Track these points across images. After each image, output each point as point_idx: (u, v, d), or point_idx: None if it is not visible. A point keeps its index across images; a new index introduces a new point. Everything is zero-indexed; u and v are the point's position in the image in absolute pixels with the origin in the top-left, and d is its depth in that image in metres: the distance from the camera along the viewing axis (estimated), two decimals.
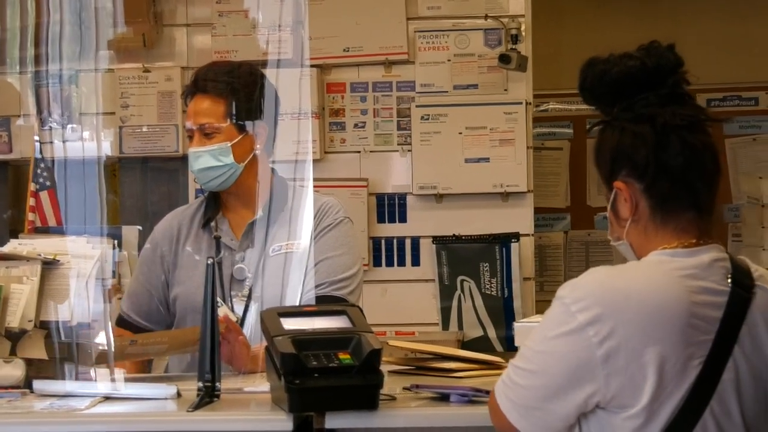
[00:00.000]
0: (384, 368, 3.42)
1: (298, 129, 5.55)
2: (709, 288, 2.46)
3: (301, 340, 2.80)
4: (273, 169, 3.93)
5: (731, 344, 2.44)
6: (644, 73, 2.55)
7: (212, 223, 3.89)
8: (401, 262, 6.47)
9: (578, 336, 2.41)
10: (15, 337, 3.69)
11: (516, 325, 3.51)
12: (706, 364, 2.41)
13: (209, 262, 3.02)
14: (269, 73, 4.01)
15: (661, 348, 2.39)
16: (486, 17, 6.43)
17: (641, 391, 2.39)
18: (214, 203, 3.91)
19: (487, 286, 6.33)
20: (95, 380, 3.32)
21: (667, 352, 2.39)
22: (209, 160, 3.80)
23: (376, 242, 6.42)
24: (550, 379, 2.44)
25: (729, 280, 2.48)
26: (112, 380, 3.45)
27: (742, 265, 2.54)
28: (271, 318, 2.91)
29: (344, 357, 2.78)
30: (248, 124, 3.85)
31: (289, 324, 2.88)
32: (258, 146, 3.85)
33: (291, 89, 6.08)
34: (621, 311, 2.40)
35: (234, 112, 3.83)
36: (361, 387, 2.77)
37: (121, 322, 3.96)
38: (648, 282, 2.45)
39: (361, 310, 3.03)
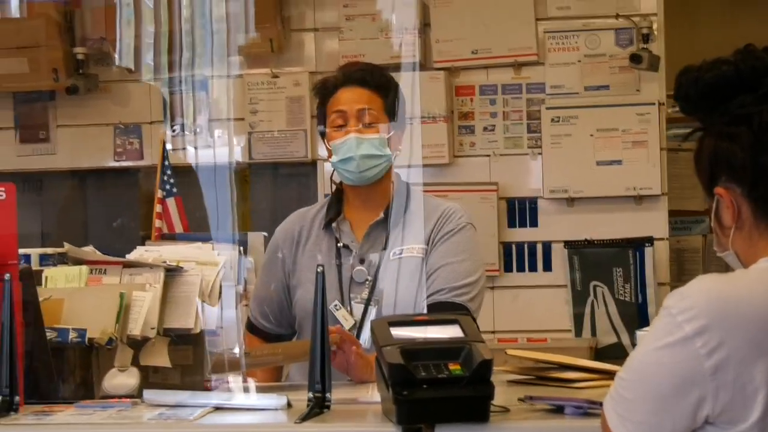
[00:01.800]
0: (503, 378, 3.38)
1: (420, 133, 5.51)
2: None
3: (410, 350, 2.73)
4: (398, 175, 3.90)
5: None
6: (738, 76, 2.46)
7: (333, 225, 3.87)
8: (533, 268, 6.41)
9: (685, 347, 2.32)
10: (137, 345, 3.70)
11: (639, 332, 3.40)
12: None
13: (319, 270, 2.98)
14: (395, 77, 3.99)
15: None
16: (617, 16, 6.35)
17: (753, 405, 2.30)
18: (336, 205, 3.87)
19: (621, 292, 6.24)
20: (212, 390, 3.32)
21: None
22: (371, 148, 3.75)
23: (507, 247, 6.36)
24: (657, 390, 2.36)
25: None
26: (226, 390, 3.45)
27: None
28: (380, 327, 2.86)
29: (454, 368, 2.71)
30: (398, 124, 3.82)
31: (399, 334, 2.82)
32: (399, 148, 3.82)
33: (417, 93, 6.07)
34: (730, 321, 2.31)
35: (388, 107, 3.80)
36: (471, 398, 2.70)
37: (251, 327, 3.99)
38: (759, 290, 2.35)
39: (474, 319, 2.96)
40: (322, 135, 3.90)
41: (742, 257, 2.49)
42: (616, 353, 6.01)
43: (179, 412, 2.96)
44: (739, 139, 2.43)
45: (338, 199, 3.89)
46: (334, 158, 3.82)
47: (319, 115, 3.93)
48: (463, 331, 2.87)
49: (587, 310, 6.30)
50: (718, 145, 2.46)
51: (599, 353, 6.08)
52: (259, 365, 3.67)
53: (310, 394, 2.92)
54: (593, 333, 6.28)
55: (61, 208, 6.78)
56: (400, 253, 3.79)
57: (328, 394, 2.93)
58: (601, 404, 2.63)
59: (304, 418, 2.83)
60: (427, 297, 3.71)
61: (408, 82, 4.11)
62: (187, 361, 3.90)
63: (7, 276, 3.09)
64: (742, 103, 2.44)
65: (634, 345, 6.05)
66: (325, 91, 3.87)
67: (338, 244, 3.83)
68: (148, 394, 3.12)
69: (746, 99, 2.45)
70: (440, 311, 3.61)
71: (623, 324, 6.24)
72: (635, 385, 2.41)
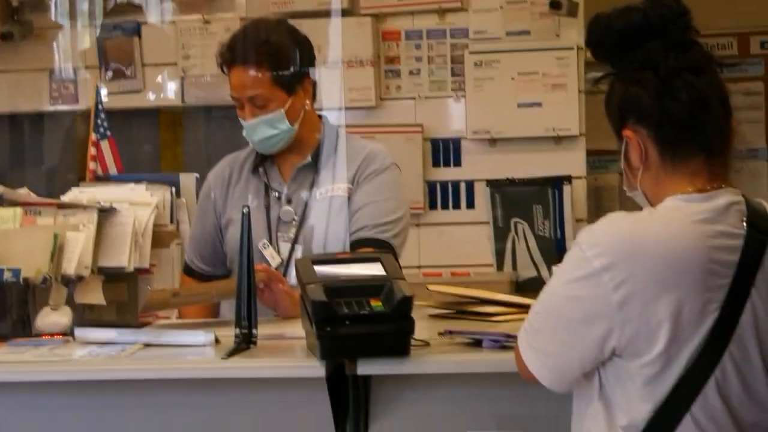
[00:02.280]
0: (425, 312, 3.36)
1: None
2: (726, 232, 2.38)
3: (333, 287, 2.73)
4: (321, 117, 3.86)
5: (748, 287, 2.36)
6: (647, 23, 2.46)
7: (261, 168, 3.84)
8: (456, 205, 6.37)
9: (593, 281, 2.34)
10: (73, 284, 3.66)
11: (554, 268, 3.39)
12: (724, 308, 2.33)
13: (244, 210, 2.96)
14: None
15: (677, 295, 2.31)
16: None
17: (657, 338, 2.32)
18: None
19: (541, 228, 6.24)
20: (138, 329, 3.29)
21: (683, 299, 2.30)
22: (266, 130, 3.76)
23: (431, 186, 6.32)
24: (567, 322, 2.39)
25: (744, 223, 2.39)
26: (156, 327, 3.41)
27: (758, 208, 2.46)
28: (304, 266, 2.85)
29: (376, 304, 2.70)
30: (294, 84, 3.77)
31: (323, 271, 2.80)
32: (307, 102, 3.78)
33: (345, 38, 6.01)
34: (636, 258, 2.32)
35: (279, 76, 3.74)
36: (392, 334, 2.70)
37: (186, 269, 3.96)
38: (664, 229, 2.36)
39: (396, 256, 2.93)
40: None
41: (649, 196, 2.49)
42: (536, 286, 5.93)
43: (109, 349, 2.92)
44: (646, 84, 2.44)
45: None
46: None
47: None
48: (385, 268, 2.86)
49: (508, 245, 6.28)
50: (628, 90, 2.47)
51: (519, 286, 6.08)
52: (189, 303, 3.66)
53: (237, 330, 2.91)
54: (514, 267, 6.25)
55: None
56: (326, 193, 3.77)
57: (254, 330, 2.91)
58: (516, 337, 2.63)
59: (231, 353, 2.81)
60: (351, 234, 3.69)
61: (335, 29, 4.06)
62: (121, 298, 3.86)
63: None
64: (650, 50, 2.44)
65: None
66: (222, 67, 3.86)
67: (266, 186, 3.81)
68: (79, 332, 3.09)
69: (654, 45, 2.45)
70: (364, 247, 3.60)
71: (543, 258, 6.23)
72: (546, 317, 2.45)
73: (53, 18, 6.42)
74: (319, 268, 2.82)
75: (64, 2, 6.22)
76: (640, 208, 2.48)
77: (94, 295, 3.76)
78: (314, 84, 3.84)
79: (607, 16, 2.51)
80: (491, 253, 6.30)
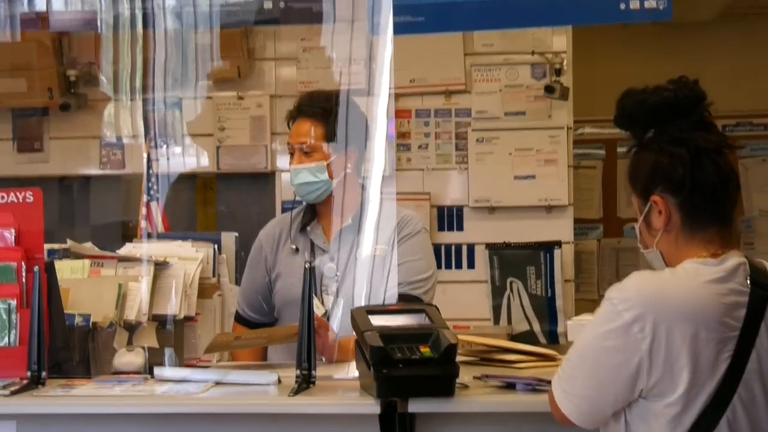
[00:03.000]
0: None
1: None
2: (735, 290, 2.44)
3: (388, 334, 2.77)
4: (363, 186, 3.93)
5: (753, 338, 2.42)
6: (677, 102, 2.54)
7: (308, 228, 3.90)
8: (458, 266, 6.44)
9: (625, 331, 2.39)
10: (132, 329, 3.71)
11: (569, 322, 3.47)
12: (734, 357, 2.39)
13: (307, 266, 3.00)
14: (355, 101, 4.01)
15: (695, 344, 2.38)
16: (533, 53, 6.40)
17: (679, 381, 2.38)
18: (311, 212, 3.90)
19: (533, 287, 6.29)
20: (208, 368, 3.32)
21: (700, 348, 2.38)
22: (307, 176, 3.80)
23: (436, 248, 6.27)
24: (601, 368, 2.43)
25: (748, 281, 2.46)
26: (222, 368, 3.46)
27: (760, 267, 2.52)
28: (360, 315, 2.90)
29: (425, 350, 2.75)
30: (341, 145, 3.84)
31: (376, 320, 2.86)
32: (349, 165, 3.84)
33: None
34: (662, 312, 2.39)
35: (328, 134, 3.82)
36: (439, 377, 2.74)
37: (238, 317, 3.99)
38: (685, 287, 2.44)
39: (438, 309, 2.99)
40: None
41: (666, 256, 2.55)
42: (529, 339, 6.06)
43: (186, 386, 2.96)
44: (679, 158, 2.49)
45: (312, 207, 3.92)
46: None
47: None
48: (430, 319, 2.91)
49: (504, 302, 6.33)
50: (659, 160, 2.52)
51: (514, 339, 6.08)
52: (249, 346, 3.69)
53: (298, 372, 2.94)
54: (509, 321, 6.31)
55: (52, 210, 6.71)
56: (365, 253, 3.82)
57: (313, 371, 2.95)
58: (548, 382, 2.69)
59: (296, 392, 2.85)
60: (386, 290, 3.74)
61: (363, 106, 4.12)
62: (169, 343, 3.91)
63: (36, 268, 3.09)
64: (680, 128, 2.50)
65: (552, 332, 6.15)
66: (288, 122, 3.94)
67: (312, 244, 3.86)
68: (158, 370, 3.12)
69: (683, 123, 2.51)
70: (399, 302, 3.64)
71: (535, 314, 6.28)
72: (581, 365, 2.47)
73: (105, 91, 6.48)
74: (373, 318, 2.87)
75: (115, 78, 6.29)
76: (617, 272, 2.56)
77: (150, 339, 3.81)
78: (361, 156, 3.89)
79: (641, 91, 2.57)
80: (489, 309, 6.37)
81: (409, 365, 2.72)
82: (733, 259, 2.49)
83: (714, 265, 2.47)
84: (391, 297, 3.66)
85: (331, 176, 3.81)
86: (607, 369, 2.42)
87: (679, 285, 2.45)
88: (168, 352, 3.75)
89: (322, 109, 3.82)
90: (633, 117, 2.58)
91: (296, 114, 3.87)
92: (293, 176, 3.85)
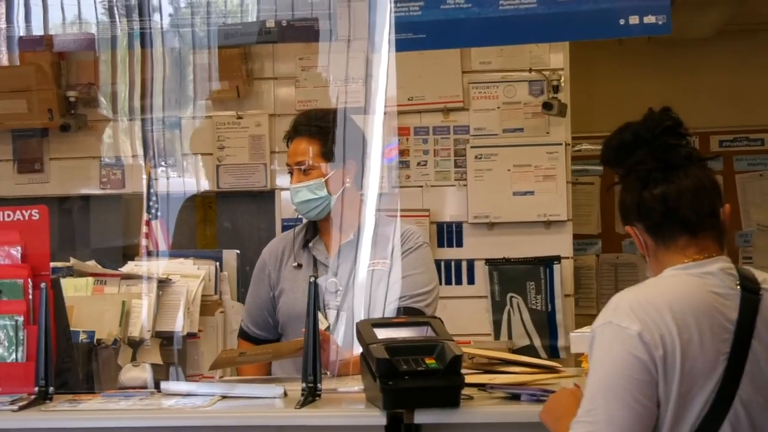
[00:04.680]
0: None
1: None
2: (723, 293, 2.47)
3: (393, 347, 2.80)
4: (364, 201, 3.94)
5: (749, 340, 2.44)
6: (637, 137, 2.58)
7: (311, 244, 3.92)
8: (458, 281, 6.45)
9: (635, 343, 2.38)
10: (136, 345, 3.73)
11: (572, 335, 3.49)
12: (731, 359, 2.41)
13: (311, 280, 3.02)
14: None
15: (694, 348, 2.39)
16: (530, 70, 6.43)
17: (674, 385, 2.38)
18: (313, 228, 3.93)
19: (533, 302, 6.32)
20: (213, 382, 3.34)
21: (696, 352, 2.39)
22: (307, 194, 3.83)
23: (437, 264, 6.21)
24: (619, 388, 2.37)
25: (738, 285, 2.48)
26: (228, 382, 3.48)
27: (747, 273, 2.54)
28: (365, 328, 2.92)
29: (430, 362, 2.78)
30: (338, 161, 3.87)
31: (382, 333, 2.88)
32: (348, 180, 3.86)
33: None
34: (660, 316, 2.40)
35: (325, 151, 3.85)
36: (445, 388, 2.77)
37: (242, 334, 4.01)
38: (670, 288, 2.47)
39: (442, 322, 3.01)
40: None
41: (656, 275, 2.58)
42: (529, 354, 6.06)
43: (193, 400, 2.98)
44: (630, 186, 2.58)
45: (314, 223, 3.95)
46: None
47: None
48: (435, 331, 2.93)
49: (504, 317, 6.36)
50: (621, 194, 2.61)
51: (514, 353, 6.12)
52: (253, 362, 3.71)
53: (304, 385, 2.96)
54: (510, 336, 6.34)
55: (53, 230, 6.72)
56: (367, 267, 3.84)
57: (319, 384, 2.97)
58: (552, 392, 2.70)
59: (303, 404, 2.87)
60: (389, 303, 3.76)
61: (360, 125, 4.14)
62: (173, 359, 3.93)
63: (43, 285, 3.11)
64: (636, 159, 2.57)
65: (552, 347, 6.16)
66: (287, 142, 3.96)
67: (314, 260, 3.89)
68: (165, 385, 3.14)
69: (639, 152, 2.57)
70: (402, 315, 3.66)
71: (535, 329, 6.31)
72: (598, 394, 2.39)
73: (104, 112, 6.52)
74: (378, 331, 2.89)
75: (114, 99, 6.31)
76: (612, 289, 2.58)
77: (153, 356, 3.83)
78: (359, 170, 3.92)
79: (610, 135, 2.65)
80: (489, 324, 6.39)
81: (415, 377, 2.74)
82: (717, 264, 2.51)
83: (693, 268, 2.50)
84: (392, 311, 3.68)
85: (330, 192, 3.84)
86: (626, 384, 2.37)
87: (663, 287, 2.48)
88: (174, 367, 3.77)
89: (318, 128, 3.85)
90: (608, 158, 2.65)
91: (293, 134, 3.90)
92: (293, 195, 3.87)
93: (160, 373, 3.75)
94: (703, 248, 2.53)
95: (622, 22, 3.43)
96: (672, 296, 2.44)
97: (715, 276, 2.48)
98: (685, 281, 2.48)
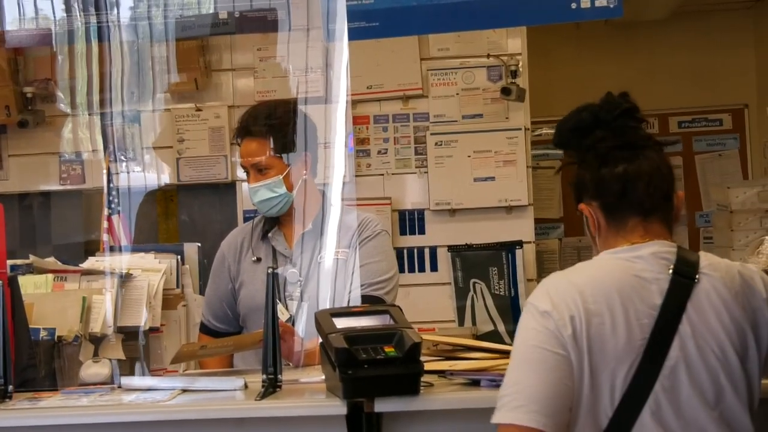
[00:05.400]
0: None
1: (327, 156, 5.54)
2: (650, 277, 2.45)
3: (352, 336, 2.79)
4: (321, 190, 3.94)
5: (674, 326, 2.42)
6: (596, 119, 2.60)
7: (270, 235, 3.91)
8: (421, 269, 6.47)
9: (545, 321, 2.40)
10: (97, 341, 3.72)
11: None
12: (650, 344, 2.39)
13: (269, 271, 3.01)
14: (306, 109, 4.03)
15: (605, 331, 2.38)
16: (488, 56, 6.44)
17: (585, 365, 2.38)
18: (272, 219, 3.92)
19: (496, 287, 6.33)
20: (175, 376, 3.33)
21: (608, 335, 2.38)
22: (266, 193, 3.82)
23: (399, 252, 6.39)
24: (537, 361, 2.38)
25: (670, 270, 2.47)
26: (188, 375, 3.46)
27: (689, 258, 2.52)
28: (324, 318, 2.91)
29: (389, 350, 2.77)
30: (292, 155, 3.86)
31: (341, 323, 2.87)
32: (305, 172, 3.86)
33: (320, 123, 6.11)
34: (573, 295, 2.40)
35: (279, 147, 3.84)
36: (404, 375, 2.75)
37: (203, 327, 4.00)
38: (592, 270, 2.48)
39: (401, 310, 3.01)
40: None
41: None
42: (493, 339, 6.08)
43: (153, 395, 2.97)
44: (589, 163, 2.58)
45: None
46: None
47: None
48: (394, 319, 2.93)
49: (468, 303, 6.37)
50: (578, 173, 2.61)
51: (478, 339, 6.13)
52: (215, 354, 3.70)
53: (264, 376, 2.95)
54: (473, 322, 6.35)
55: (13, 228, 6.69)
56: (327, 257, 3.84)
57: (279, 376, 2.97)
58: None
59: (263, 396, 2.87)
60: (349, 292, 3.76)
61: (320, 114, 4.13)
62: (136, 354, 3.92)
63: None
64: (594, 138, 2.58)
65: (512, 332, 6.13)
66: (237, 140, 3.94)
67: (274, 251, 3.88)
68: (125, 380, 3.13)
69: (597, 133, 2.58)
70: (362, 304, 3.67)
71: (499, 314, 6.32)
72: (518, 368, 2.41)
73: (62, 107, 6.47)
74: (337, 320, 2.89)
75: (72, 94, 6.27)
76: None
77: (116, 352, 3.82)
78: (314, 159, 3.92)
79: (570, 114, 2.65)
80: (453, 311, 6.41)
81: (374, 365, 2.73)
82: (651, 248, 2.50)
83: (624, 252, 2.50)
84: (355, 299, 3.69)
85: (289, 188, 3.83)
86: (542, 356, 2.38)
87: (586, 269, 2.50)
88: (138, 363, 3.76)
89: (267, 125, 3.83)
90: (562, 139, 2.66)
91: (243, 134, 3.88)
92: (252, 195, 3.86)
93: (124, 368, 3.74)
94: (649, 232, 2.54)
95: (573, 6, 3.44)
96: (590, 279, 2.44)
97: (644, 260, 2.47)
98: (611, 265, 2.48)
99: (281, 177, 3.82)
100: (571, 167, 2.66)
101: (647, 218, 2.54)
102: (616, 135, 2.57)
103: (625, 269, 2.46)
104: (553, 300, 2.41)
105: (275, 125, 3.85)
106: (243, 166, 3.91)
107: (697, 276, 2.48)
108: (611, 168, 2.54)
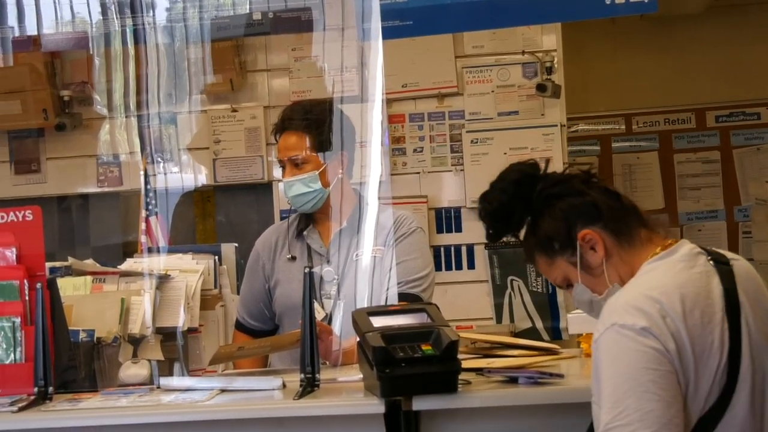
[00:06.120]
0: None
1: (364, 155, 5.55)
2: (704, 270, 2.46)
3: (389, 335, 2.80)
4: (356, 190, 3.95)
5: (738, 311, 2.42)
6: (531, 174, 2.67)
7: (305, 233, 3.92)
8: (458, 266, 6.45)
9: (646, 339, 2.33)
10: (136, 342, 3.73)
11: (569, 316, 3.48)
12: (731, 330, 2.39)
13: (306, 271, 3.02)
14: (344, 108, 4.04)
15: (698, 332, 2.37)
16: (523, 53, 6.42)
17: (690, 372, 2.35)
18: (306, 218, 3.92)
19: (534, 285, 6.31)
20: (213, 376, 3.34)
21: (700, 334, 2.36)
22: (301, 187, 3.83)
23: (436, 250, 6.39)
24: (645, 383, 2.31)
25: (710, 262, 2.47)
26: (227, 375, 3.47)
27: (711, 250, 2.53)
28: (361, 317, 2.92)
29: (426, 348, 2.77)
30: (330, 152, 3.86)
31: (377, 321, 2.88)
32: (341, 171, 3.86)
33: (356, 122, 6.11)
34: (663, 310, 2.36)
35: (317, 143, 3.84)
36: (442, 373, 2.76)
37: (238, 325, 4.01)
38: (662, 280, 2.43)
39: (438, 308, 3.01)
40: None
41: (625, 279, 2.52)
42: (531, 336, 6.07)
43: (192, 395, 2.98)
44: (575, 190, 2.57)
45: (307, 213, 3.94)
46: None
47: None
48: (430, 317, 2.93)
49: (506, 300, 6.35)
50: (561, 207, 2.56)
51: (516, 336, 6.12)
52: (252, 355, 3.71)
53: (302, 376, 2.96)
54: (511, 320, 6.33)
55: (52, 230, 6.73)
56: (362, 254, 3.84)
57: (317, 375, 2.97)
58: (550, 375, 2.70)
59: (301, 395, 2.88)
60: (386, 290, 3.76)
61: (356, 114, 4.14)
62: (175, 354, 3.93)
63: (38, 285, 3.11)
64: (544, 187, 2.59)
65: (555, 328, 6.15)
66: (275, 135, 3.96)
67: (309, 249, 3.89)
68: (164, 380, 3.14)
69: (544, 184, 2.59)
70: (399, 301, 3.67)
71: (537, 311, 6.30)
72: (624, 396, 2.31)
73: (99, 110, 6.51)
74: (374, 319, 2.89)
75: (109, 96, 6.31)
76: None
77: (154, 352, 3.83)
78: (351, 161, 3.92)
79: (483, 202, 2.80)
80: (491, 308, 6.39)
81: (412, 364, 2.73)
82: (686, 246, 2.51)
83: (669, 255, 2.48)
84: (392, 297, 3.68)
85: (324, 184, 3.84)
86: (651, 376, 2.31)
87: (655, 282, 2.43)
88: (177, 363, 3.77)
89: (306, 120, 3.85)
90: (494, 233, 2.77)
91: (281, 128, 3.90)
92: (286, 189, 3.87)
93: (163, 369, 3.75)
94: (659, 237, 2.54)
95: (608, 1, 3.42)
96: (664, 286, 2.40)
97: (691, 257, 2.47)
98: (669, 269, 2.46)
99: (317, 173, 3.83)
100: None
101: (648, 226, 2.55)
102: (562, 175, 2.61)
103: (685, 269, 2.45)
104: (645, 313, 2.34)
105: (314, 121, 3.87)
106: (280, 161, 3.92)
107: (730, 262, 2.50)
108: (597, 191, 2.54)
